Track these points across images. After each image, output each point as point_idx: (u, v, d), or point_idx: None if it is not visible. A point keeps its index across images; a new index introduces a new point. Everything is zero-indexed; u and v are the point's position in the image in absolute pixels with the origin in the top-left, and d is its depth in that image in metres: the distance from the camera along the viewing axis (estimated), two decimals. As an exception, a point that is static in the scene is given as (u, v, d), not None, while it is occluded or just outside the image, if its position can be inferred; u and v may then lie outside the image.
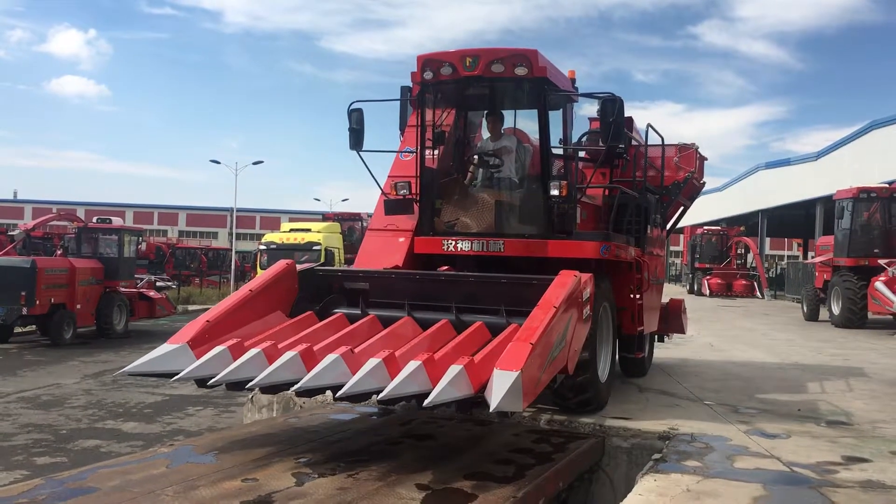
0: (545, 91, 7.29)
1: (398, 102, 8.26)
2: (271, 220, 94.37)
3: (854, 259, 19.86)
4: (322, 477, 5.08)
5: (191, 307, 30.82)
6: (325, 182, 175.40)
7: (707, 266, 37.69)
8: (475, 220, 7.65)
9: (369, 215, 38.10)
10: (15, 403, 12.32)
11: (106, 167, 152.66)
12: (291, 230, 26.35)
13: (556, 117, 7.61)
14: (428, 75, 7.44)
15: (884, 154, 27.30)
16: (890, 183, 21.63)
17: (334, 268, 8.38)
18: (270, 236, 26.42)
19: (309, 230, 26.47)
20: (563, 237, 7.43)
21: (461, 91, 7.78)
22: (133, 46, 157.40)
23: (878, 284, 17.77)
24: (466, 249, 7.51)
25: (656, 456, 6.12)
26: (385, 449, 6.03)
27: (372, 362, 5.17)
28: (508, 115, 8.08)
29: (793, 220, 42.19)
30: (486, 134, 8.17)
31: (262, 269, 24.55)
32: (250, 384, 5.34)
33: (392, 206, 7.91)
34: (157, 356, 5.66)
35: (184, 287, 36.84)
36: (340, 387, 5.06)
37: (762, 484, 5.37)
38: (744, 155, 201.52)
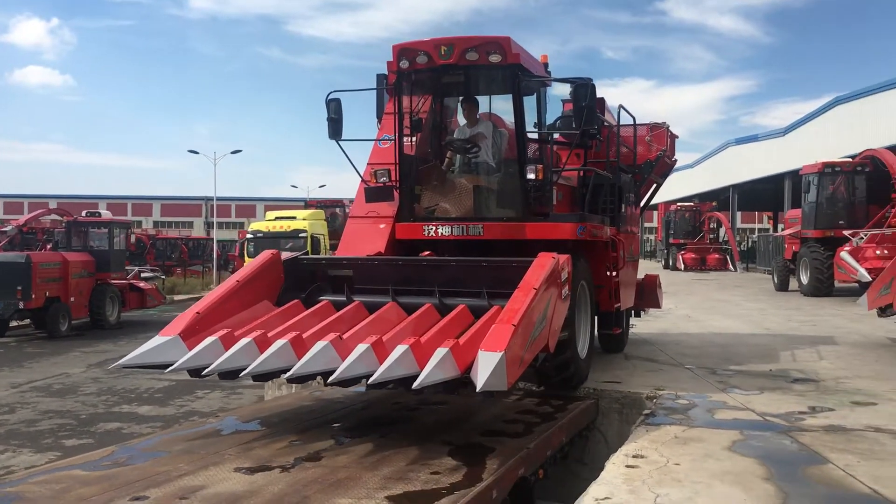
0: (519, 77, 7.41)
1: (374, 90, 8.49)
2: (247, 207, 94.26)
3: (821, 231, 20.83)
4: (357, 437, 5.77)
5: (176, 297, 31.29)
6: (299, 168, 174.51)
7: (681, 241, 38.71)
8: (454, 206, 7.80)
9: (350, 201, 38.32)
10: (29, 392, 12.85)
11: (74, 158, 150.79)
12: (277, 218, 26.77)
13: (530, 102, 7.79)
14: (404, 64, 7.54)
15: (848, 129, 28.28)
16: (853, 157, 22.50)
17: (318, 256, 8.59)
18: (256, 224, 26.86)
19: (294, 218, 26.93)
20: (541, 219, 7.64)
21: (437, 79, 7.91)
22: (97, 35, 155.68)
23: (844, 254, 18.69)
24: (447, 234, 7.65)
25: (646, 411, 6.91)
26: (406, 414, 6.74)
27: (360, 348, 5.29)
28: (483, 100, 8.26)
29: (762, 194, 43.26)
30: (461, 119, 8.33)
31: (249, 257, 25.01)
32: (243, 373, 5.47)
33: (372, 193, 8.03)
34: (150, 348, 5.79)
35: (167, 277, 37.14)
36: (331, 372, 5.25)
37: (739, 430, 6.17)
38: (714, 130, 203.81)
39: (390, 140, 8.18)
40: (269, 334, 5.82)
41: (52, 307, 19.72)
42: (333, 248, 28.50)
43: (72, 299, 20.48)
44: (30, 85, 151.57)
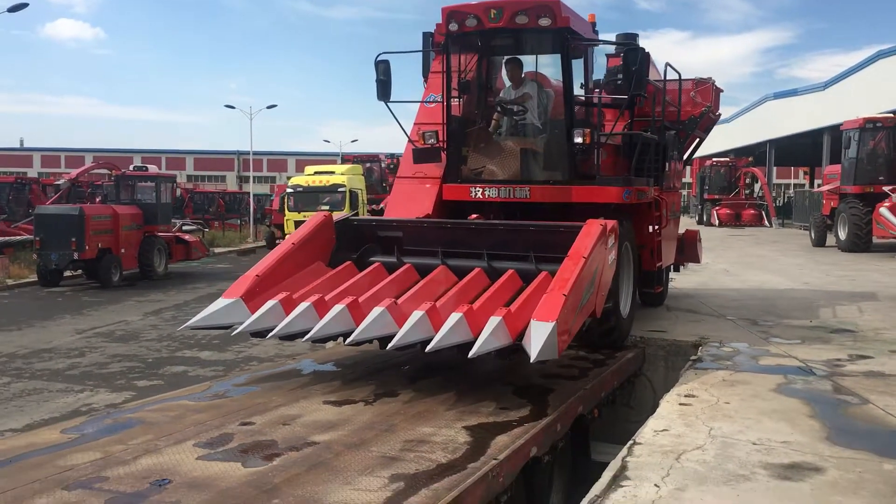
0: (568, 40, 7.44)
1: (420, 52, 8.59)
2: (279, 162, 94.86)
3: (860, 186, 20.81)
4: (426, 378, 6.24)
5: (217, 249, 32.10)
6: (329, 122, 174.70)
7: (716, 197, 38.60)
8: (501, 168, 7.87)
9: (387, 156, 38.69)
10: (95, 338, 13.56)
11: (106, 112, 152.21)
12: (316, 173, 27.20)
13: (577, 63, 7.82)
14: (453, 26, 7.54)
15: (890, 83, 27.90)
16: (895, 113, 22.34)
17: (369, 217, 8.62)
18: (296, 179, 27.33)
19: (332, 172, 27.34)
20: (587, 182, 7.67)
21: (486, 41, 7.98)
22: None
23: (883, 210, 18.77)
24: (493, 196, 7.73)
25: (693, 357, 7.31)
26: (461, 363, 7.17)
27: (416, 315, 5.45)
28: (527, 59, 8.25)
29: (799, 150, 42.79)
30: (506, 80, 8.33)
31: (289, 210, 25.61)
32: (305, 338, 5.74)
33: (420, 154, 8.08)
34: (215, 311, 6.05)
35: (206, 231, 37.97)
36: (387, 337, 5.51)
37: (783, 375, 6.56)
38: (750, 83, 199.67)
39: (437, 100, 8.27)
40: (327, 297, 6.04)
41: (105, 258, 20.47)
42: (371, 202, 28.94)
43: (122, 251, 21.23)
44: (61, 38, 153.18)
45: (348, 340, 5.60)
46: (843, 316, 9.84)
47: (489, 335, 5.22)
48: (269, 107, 43.24)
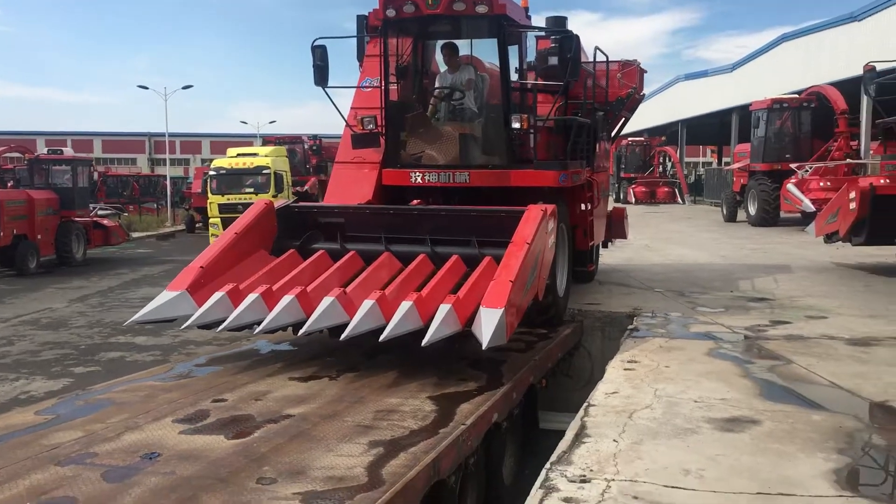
0: (504, 27, 7.56)
1: (354, 32, 8.55)
2: (192, 143, 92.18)
3: (768, 164, 21.99)
4: (383, 355, 6.44)
5: (135, 234, 31.27)
6: (241, 103, 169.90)
7: (632, 175, 39.85)
8: (440, 153, 7.93)
9: (310, 137, 38.25)
10: (21, 326, 13.18)
11: (7, 92, 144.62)
12: (239, 155, 26.70)
13: (512, 48, 7.93)
14: (391, 13, 7.59)
15: (794, 65, 29.36)
16: (799, 93, 23.56)
17: (311, 204, 8.60)
18: (219, 161, 26.77)
19: (256, 154, 26.95)
20: (525, 166, 7.84)
21: (423, 27, 8.03)
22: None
23: (790, 186, 19.89)
24: (434, 181, 7.82)
25: (631, 326, 7.78)
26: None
27: (367, 304, 5.57)
28: (462, 43, 8.29)
29: (708, 129, 44.46)
30: (441, 64, 8.38)
31: (212, 193, 25.17)
32: (257, 330, 5.83)
33: (359, 139, 8.10)
34: (160, 304, 6.07)
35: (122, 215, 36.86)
36: (338, 327, 5.59)
37: (713, 340, 7.09)
38: (659, 63, 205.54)
39: (374, 85, 8.29)
40: (274, 288, 6.08)
41: (21, 245, 19.74)
42: (294, 184, 28.69)
43: (39, 237, 20.47)
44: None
45: (301, 332, 5.71)
46: (760, 286, 10.53)
47: (440, 323, 5.37)
48: (185, 87, 42.38)
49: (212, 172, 26.01)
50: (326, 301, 5.68)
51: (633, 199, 37.93)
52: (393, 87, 8.16)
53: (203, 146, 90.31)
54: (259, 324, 5.80)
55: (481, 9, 7.33)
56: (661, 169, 40.50)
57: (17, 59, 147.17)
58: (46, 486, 3.50)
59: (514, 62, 8.15)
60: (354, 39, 8.90)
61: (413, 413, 4.80)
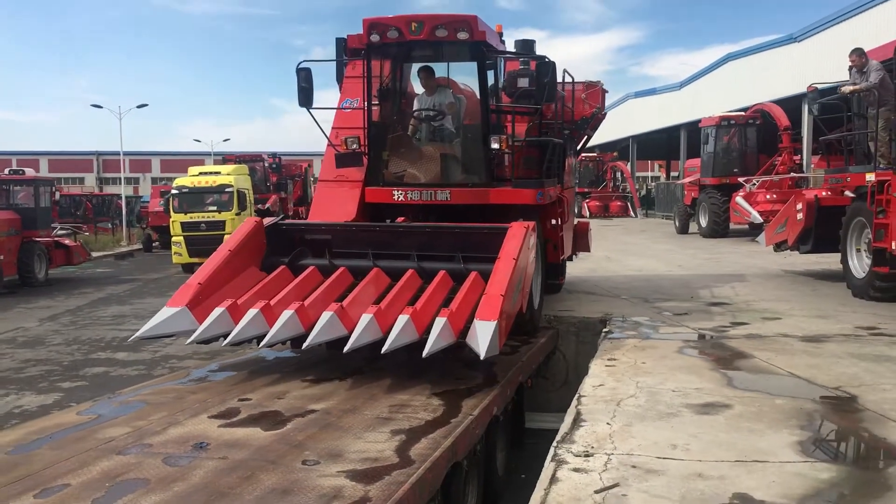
0: (484, 53, 7.95)
1: (334, 53, 8.83)
2: (142, 162, 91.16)
3: (718, 178, 23.01)
4: (384, 360, 6.87)
5: (94, 254, 31.08)
6: (192, 121, 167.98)
7: (586, 190, 40.86)
8: (422, 172, 8.22)
9: (269, 155, 38.25)
10: (-2, 346, 13.29)
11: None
12: (201, 173, 26.85)
13: (489, 73, 8.25)
14: (374, 38, 7.86)
15: (739, 83, 30.74)
16: (744, 110, 24.73)
17: (299, 222, 8.86)
18: (181, 180, 26.84)
19: (219, 173, 27.13)
20: (504, 185, 8.21)
21: (405, 51, 8.39)
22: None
23: (739, 199, 20.92)
24: (416, 199, 8.08)
25: (605, 329, 8.40)
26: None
27: (365, 318, 5.78)
28: (438, 65, 8.62)
29: (657, 144, 46.03)
30: (418, 87, 8.66)
31: (175, 212, 25.25)
32: (261, 344, 6.05)
33: (343, 159, 8.34)
34: (162, 320, 6.20)
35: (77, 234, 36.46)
36: (339, 340, 5.82)
37: (682, 340, 7.77)
38: (605, 80, 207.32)
39: (354, 106, 8.61)
40: (272, 303, 6.28)
41: (-18, 266, 19.67)
42: (256, 202, 28.87)
43: (1, 257, 20.42)
44: None
45: (304, 346, 5.94)
46: (717, 292, 11.29)
47: (437, 335, 5.63)
48: (140, 106, 41.99)
49: (174, 191, 26.05)
50: (326, 316, 5.92)
51: (588, 213, 38.88)
52: (375, 108, 8.45)
53: (153, 164, 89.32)
54: (260, 338, 6.06)
55: (462, 35, 7.71)
56: (613, 183, 41.62)
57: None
58: (116, 472, 3.92)
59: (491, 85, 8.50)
60: (328, 62, 9.15)
61: (424, 407, 5.31)
